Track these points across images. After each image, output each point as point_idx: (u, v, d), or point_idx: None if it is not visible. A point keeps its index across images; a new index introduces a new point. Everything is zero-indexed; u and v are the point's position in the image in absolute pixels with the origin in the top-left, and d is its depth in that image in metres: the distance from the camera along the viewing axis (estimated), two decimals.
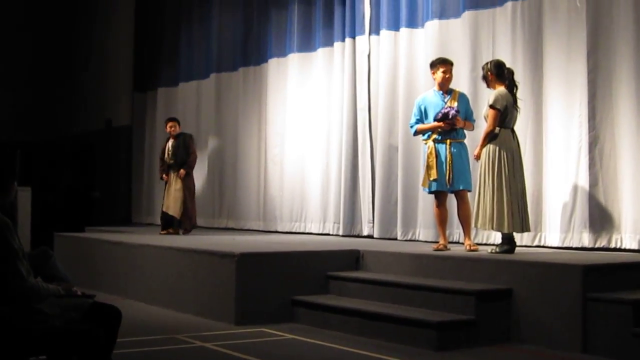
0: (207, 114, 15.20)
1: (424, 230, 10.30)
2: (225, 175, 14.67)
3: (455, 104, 8.58)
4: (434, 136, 8.55)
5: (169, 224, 12.40)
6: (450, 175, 8.45)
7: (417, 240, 10.35)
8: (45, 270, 4.94)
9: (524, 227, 7.91)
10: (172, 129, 12.51)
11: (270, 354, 6.47)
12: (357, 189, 11.66)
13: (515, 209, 7.76)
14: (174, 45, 16.58)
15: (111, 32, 18.84)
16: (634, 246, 8.14)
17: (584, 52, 8.56)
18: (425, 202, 10.16)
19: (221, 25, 15.11)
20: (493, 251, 7.85)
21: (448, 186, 8.50)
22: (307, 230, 12.58)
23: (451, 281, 7.31)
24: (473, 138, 8.75)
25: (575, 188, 8.63)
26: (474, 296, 6.79)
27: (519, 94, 8.14)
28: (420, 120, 8.73)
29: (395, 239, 10.70)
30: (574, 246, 8.54)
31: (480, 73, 8.85)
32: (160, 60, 17.03)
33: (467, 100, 8.81)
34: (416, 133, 8.83)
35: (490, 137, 7.88)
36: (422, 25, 10.67)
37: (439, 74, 8.72)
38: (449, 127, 8.47)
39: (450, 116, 8.42)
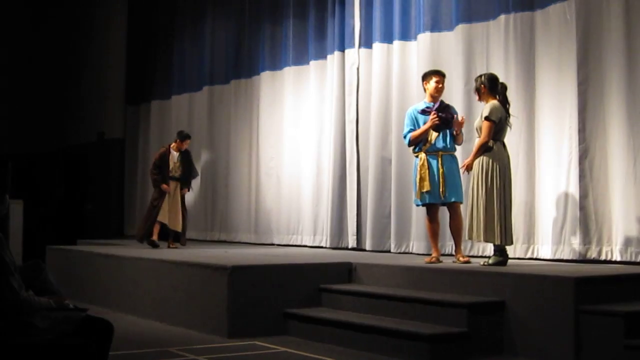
0: (199, 127, 15.21)
1: (418, 242, 10.31)
2: (217, 188, 14.69)
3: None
4: (426, 148, 8.55)
5: (166, 236, 12.40)
6: (443, 188, 8.46)
7: (411, 253, 10.36)
8: (37, 283, 4.92)
9: (509, 241, 7.92)
10: (187, 145, 12.50)
11: None
12: (345, 201, 11.68)
13: (507, 221, 7.77)
14: (166, 58, 16.61)
15: (104, 45, 18.85)
16: (624, 258, 8.17)
17: (575, 64, 8.60)
18: (419, 215, 10.17)
19: (213, 38, 15.17)
20: (485, 263, 7.85)
21: (441, 198, 8.51)
22: (301, 243, 12.58)
23: (443, 294, 7.31)
24: (460, 151, 8.80)
25: (566, 200, 8.66)
26: (467, 309, 6.78)
27: (511, 110, 8.15)
28: (412, 130, 8.73)
29: (389, 252, 10.71)
30: (565, 258, 8.56)
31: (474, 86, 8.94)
32: (153, 73, 17.05)
33: (456, 113, 8.81)
34: (410, 143, 8.82)
35: (483, 149, 7.89)
36: (415, 38, 10.71)
37: (432, 84, 8.73)
38: (441, 121, 8.44)
39: (436, 109, 8.44)
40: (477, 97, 8.33)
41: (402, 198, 10.62)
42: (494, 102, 7.98)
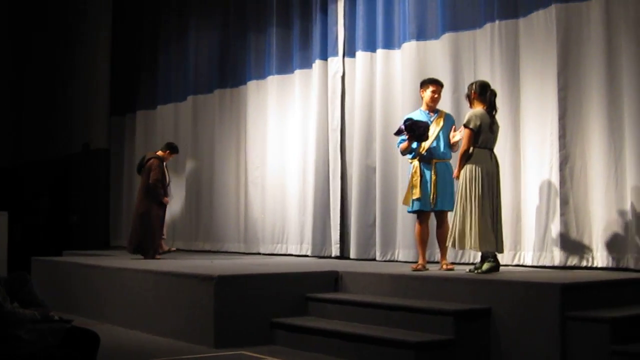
0: (185, 137, 15.19)
1: (404, 250, 10.32)
2: (202, 197, 14.66)
3: (440, 125, 8.60)
4: (419, 156, 8.57)
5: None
6: (434, 196, 8.48)
7: (397, 261, 10.37)
8: (22, 295, 4.91)
9: (499, 248, 7.93)
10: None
11: None
12: (329, 210, 11.69)
13: (490, 229, 7.77)
14: (152, 68, 16.59)
15: (89, 56, 18.80)
16: (605, 264, 8.20)
17: (555, 71, 8.65)
18: (405, 223, 10.19)
19: (198, 48, 15.17)
20: (472, 270, 7.84)
21: (432, 206, 8.52)
22: (286, 252, 12.58)
23: (430, 301, 7.31)
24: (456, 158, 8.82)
25: (548, 206, 8.69)
26: (453, 316, 6.78)
27: (498, 117, 8.17)
28: (404, 140, 8.74)
29: (374, 260, 10.71)
30: (548, 264, 8.59)
31: (463, 94, 8.97)
32: (138, 83, 17.04)
33: (453, 121, 8.80)
34: (402, 152, 8.84)
35: (465, 157, 7.90)
36: (399, 47, 10.73)
37: (428, 93, 8.75)
38: (415, 138, 8.46)
39: (401, 130, 8.46)
40: (468, 104, 8.34)
41: (387, 206, 10.64)
42: (474, 110, 8.00)
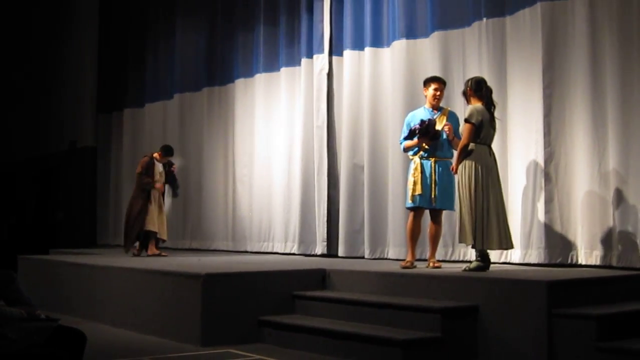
0: (173, 135, 15.17)
1: (394, 248, 10.33)
2: (190, 195, 14.65)
3: (443, 122, 8.60)
4: (421, 153, 8.58)
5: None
6: (435, 193, 8.48)
7: (387, 259, 10.37)
8: (8, 293, 4.89)
9: (508, 244, 7.93)
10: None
11: None
12: (314, 208, 11.69)
13: (493, 226, 7.77)
14: (139, 65, 16.58)
15: (76, 54, 18.77)
16: (589, 262, 8.24)
17: (541, 68, 8.68)
18: (395, 221, 10.21)
19: (186, 46, 15.16)
20: (467, 269, 7.84)
21: (433, 204, 8.52)
22: (272, 250, 12.59)
23: (417, 299, 7.32)
24: None
25: (533, 204, 8.72)
26: (440, 314, 6.79)
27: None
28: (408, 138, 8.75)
29: (362, 258, 10.72)
30: (533, 262, 8.62)
31: (453, 92, 8.98)
32: (126, 80, 17.02)
33: (457, 118, 8.76)
34: (405, 149, 8.85)
35: (465, 153, 7.88)
36: (388, 45, 10.75)
37: (430, 91, 8.74)
38: (430, 141, 8.48)
39: (417, 131, 8.46)
40: (465, 101, 8.34)
41: (376, 204, 10.65)
42: (475, 105, 7.99)
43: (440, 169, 8.53)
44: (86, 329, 5.06)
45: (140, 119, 16.38)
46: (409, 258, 8.65)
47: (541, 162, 8.62)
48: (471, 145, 7.86)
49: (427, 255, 8.78)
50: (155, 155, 12.51)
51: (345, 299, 7.78)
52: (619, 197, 8.03)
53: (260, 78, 13.16)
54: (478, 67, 9.45)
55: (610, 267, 8.01)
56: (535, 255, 8.63)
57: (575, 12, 8.54)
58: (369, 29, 10.98)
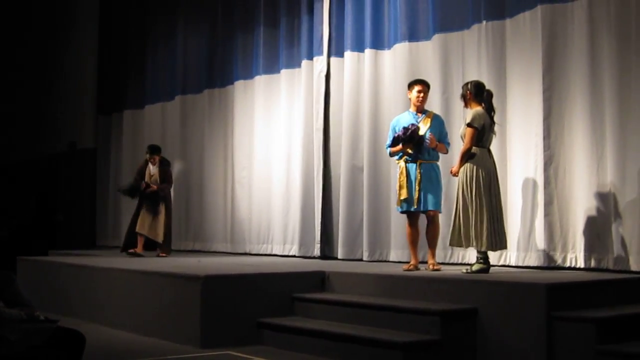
0: (173, 137, 15.19)
1: (394, 250, 10.31)
2: (191, 197, 14.65)
3: (427, 125, 8.61)
4: (405, 157, 8.59)
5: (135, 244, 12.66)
6: (419, 196, 8.49)
7: (387, 261, 10.37)
8: (7, 295, 4.89)
9: (502, 245, 7.94)
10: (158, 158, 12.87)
11: None
12: (313, 210, 11.69)
13: (492, 228, 7.79)
14: (139, 67, 16.57)
15: (76, 55, 18.76)
16: (588, 265, 8.24)
17: (540, 71, 8.68)
18: (396, 223, 10.20)
19: (186, 47, 15.17)
20: (468, 271, 7.85)
21: (416, 206, 8.53)
22: (271, 252, 12.59)
23: (417, 301, 7.32)
24: (447, 160, 8.82)
25: (533, 207, 8.73)
26: (439, 316, 6.79)
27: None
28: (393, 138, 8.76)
29: (361, 260, 10.72)
30: (532, 265, 8.62)
31: (452, 94, 8.98)
32: (126, 82, 17.01)
33: (442, 122, 8.82)
34: (391, 154, 8.86)
35: (467, 156, 7.90)
36: (389, 47, 10.74)
37: (414, 93, 8.76)
38: (413, 148, 8.49)
39: (400, 139, 8.47)
40: (463, 104, 8.35)
41: (376, 206, 10.64)
42: (477, 109, 8.00)
43: (424, 171, 8.53)
44: (85, 331, 5.06)
45: (139, 121, 16.38)
46: (412, 261, 8.66)
47: (541, 165, 8.63)
48: (474, 149, 7.87)
49: (427, 257, 8.78)
50: (147, 157, 12.77)
51: (344, 301, 7.78)
52: (617, 200, 8.03)
53: (260, 80, 13.16)
54: (477, 70, 9.45)
55: (608, 270, 8.02)
56: (535, 257, 8.64)
57: (575, 15, 8.55)
58: (370, 30, 10.97)
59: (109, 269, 9.82)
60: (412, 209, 8.58)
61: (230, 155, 13.79)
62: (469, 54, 9.71)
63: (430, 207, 8.56)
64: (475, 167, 7.84)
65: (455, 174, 8.05)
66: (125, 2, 17.44)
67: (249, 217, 13.17)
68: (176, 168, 14.82)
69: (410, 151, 8.54)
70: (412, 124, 8.54)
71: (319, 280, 8.51)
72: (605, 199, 8.16)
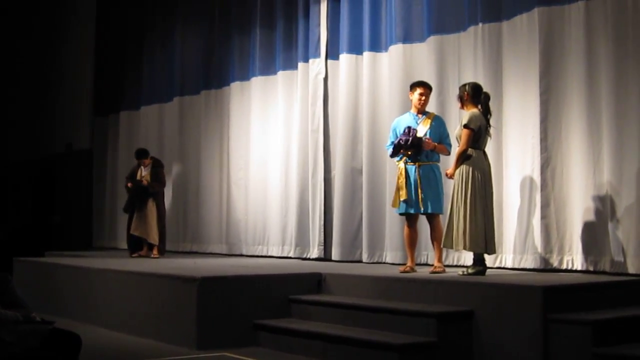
0: (170, 138, 15.18)
1: (392, 252, 10.28)
2: (188, 198, 14.64)
3: (427, 127, 8.61)
4: (405, 158, 8.59)
5: (140, 247, 12.75)
6: (420, 198, 8.48)
7: (384, 263, 10.36)
8: (3, 296, 4.88)
9: (493, 249, 7.96)
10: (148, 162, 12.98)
11: None
12: (309, 212, 11.69)
13: (487, 230, 7.80)
14: (136, 68, 16.55)
15: (72, 55, 18.75)
16: (585, 267, 8.24)
17: (537, 74, 8.69)
18: (393, 225, 10.18)
19: (183, 49, 15.15)
20: (464, 273, 7.84)
21: (419, 208, 8.53)
22: (268, 254, 12.58)
23: (413, 303, 7.33)
24: (446, 161, 8.81)
25: (529, 209, 8.73)
26: (436, 318, 6.80)
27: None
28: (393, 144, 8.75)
29: (360, 262, 10.71)
30: (529, 267, 8.62)
31: (448, 96, 8.99)
32: (122, 83, 16.99)
33: (443, 123, 8.81)
34: (391, 155, 8.86)
35: (463, 158, 7.91)
36: (386, 49, 10.74)
37: (416, 95, 8.75)
38: (413, 151, 8.50)
39: (402, 144, 8.47)
40: (459, 105, 8.35)
41: (375, 208, 10.63)
42: (473, 111, 8.01)
43: (425, 172, 8.52)
44: (81, 332, 5.06)
45: (136, 122, 16.37)
46: (408, 263, 8.66)
47: (537, 167, 8.63)
48: (470, 151, 7.88)
49: (433, 260, 8.72)
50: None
51: (341, 303, 7.78)
52: (614, 203, 8.04)
53: (257, 81, 13.15)
54: (474, 72, 9.45)
55: (604, 272, 8.02)
56: (531, 260, 8.64)
57: (572, 18, 8.55)
58: (367, 33, 10.97)
59: (105, 270, 9.82)
60: (411, 211, 8.58)
61: (226, 157, 13.78)
62: (465, 56, 9.70)
63: (430, 210, 8.55)
64: (471, 169, 7.85)
65: (451, 176, 8.05)
66: (123, 3, 17.42)
67: (245, 219, 13.16)
68: (173, 170, 14.83)
69: (409, 153, 8.54)
70: (410, 127, 8.54)
71: (316, 282, 8.52)
72: (602, 201, 8.17)
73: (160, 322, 8.39)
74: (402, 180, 8.55)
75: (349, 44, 11.25)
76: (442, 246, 8.24)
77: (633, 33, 7.98)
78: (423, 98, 8.76)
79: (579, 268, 8.29)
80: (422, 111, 8.78)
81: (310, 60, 11.86)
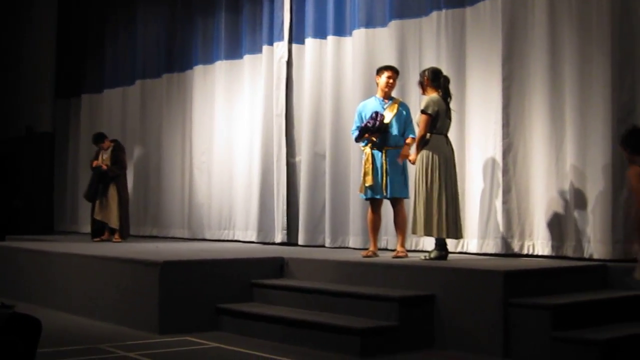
0: (132, 121, 15.09)
1: (354, 237, 10.32)
2: (149, 182, 14.57)
3: (394, 112, 8.61)
4: (371, 143, 8.60)
5: (102, 231, 12.69)
6: (385, 183, 8.50)
7: (347, 248, 10.38)
8: None
9: (457, 234, 8.00)
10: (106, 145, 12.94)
11: None
12: (273, 196, 11.68)
13: (449, 215, 7.84)
14: (98, 50, 16.42)
15: (33, 37, 18.50)
16: (546, 252, 8.33)
17: (500, 60, 8.73)
18: (356, 210, 10.21)
19: (145, 31, 15.03)
20: (426, 258, 7.90)
21: (384, 193, 8.55)
22: (233, 238, 12.56)
23: (375, 288, 7.36)
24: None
25: (491, 194, 8.79)
26: (397, 302, 6.84)
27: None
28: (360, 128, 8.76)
29: (323, 247, 10.73)
30: (490, 252, 8.68)
31: (408, 81, 9.00)
32: (84, 66, 16.86)
33: (408, 110, 8.81)
34: (357, 140, 8.86)
35: (423, 143, 7.94)
36: (350, 34, 10.73)
37: (383, 79, 8.75)
38: (378, 135, 8.51)
39: (370, 127, 8.48)
40: (421, 91, 8.38)
41: (337, 193, 10.65)
42: (431, 95, 8.04)
43: (391, 157, 8.54)
44: (42, 316, 5.02)
45: (98, 105, 16.26)
46: (371, 248, 8.69)
47: (499, 153, 8.69)
48: (429, 136, 7.92)
49: (396, 244, 8.75)
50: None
51: (303, 288, 7.80)
52: (576, 189, 8.11)
53: (221, 65, 13.08)
54: (436, 57, 9.47)
55: (566, 257, 8.11)
56: (493, 245, 8.70)
57: (535, 4, 8.59)
58: (331, 17, 10.96)
59: (67, 254, 9.76)
60: (377, 196, 8.60)
61: (188, 141, 13.72)
62: (427, 41, 9.72)
63: (398, 194, 8.58)
64: (431, 154, 7.89)
65: (413, 162, 8.09)
66: None
67: (208, 203, 13.12)
68: (134, 153, 14.75)
69: (375, 139, 8.55)
70: (377, 112, 8.54)
71: (278, 266, 8.53)
72: (564, 187, 8.24)
73: (122, 306, 8.36)
74: (369, 165, 8.56)
75: (314, 28, 11.23)
76: (411, 232, 8.26)
77: (597, 19, 8.02)
78: (390, 82, 8.76)
79: (541, 253, 8.37)
80: (388, 96, 8.78)
81: (275, 44, 11.83)
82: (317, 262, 8.31)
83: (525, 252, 8.51)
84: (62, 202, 17.17)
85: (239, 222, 12.51)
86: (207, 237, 13.03)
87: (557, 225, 8.27)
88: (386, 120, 8.53)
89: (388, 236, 9.67)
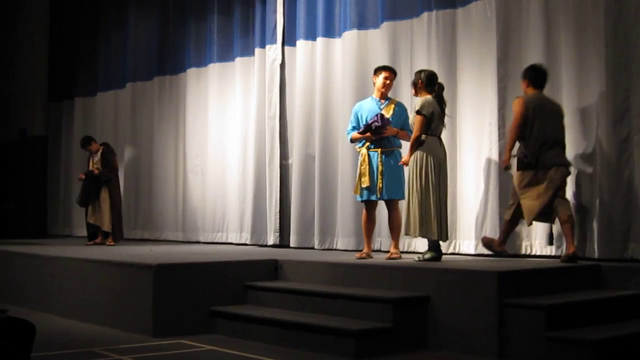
0: (124, 124, 15.08)
1: (342, 239, 10.34)
2: (141, 185, 14.56)
3: (390, 112, 8.62)
4: (367, 144, 8.60)
5: (96, 235, 12.70)
6: (381, 184, 8.50)
7: (336, 249, 10.39)
8: None
9: (442, 236, 8.01)
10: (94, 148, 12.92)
11: None
12: (266, 198, 11.67)
13: (442, 216, 7.85)
14: (91, 53, 16.42)
15: (25, 40, 18.48)
16: (543, 252, 8.35)
17: (495, 61, 8.74)
18: (344, 212, 10.23)
19: (137, 34, 15.03)
20: (420, 259, 7.90)
21: (379, 195, 8.54)
22: (226, 241, 12.56)
23: (369, 289, 7.35)
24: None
25: (486, 195, 8.79)
26: (392, 304, 6.83)
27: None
28: (356, 128, 8.75)
29: (312, 248, 10.73)
30: (486, 253, 8.67)
31: (400, 83, 9.01)
32: (77, 69, 16.85)
33: (405, 110, 8.80)
34: (352, 140, 8.86)
35: (417, 144, 7.94)
36: (340, 35, 10.75)
37: (380, 79, 8.75)
38: (377, 137, 8.51)
39: (373, 127, 8.47)
40: (413, 92, 8.37)
41: (327, 195, 10.66)
42: (426, 97, 8.04)
43: (388, 159, 8.54)
44: (36, 320, 5.01)
45: (91, 108, 16.25)
46: (365, 249, 8.70)
47: (495, 154, 8.69)
48: (424, 137, 7.92)
49: (390, 246, 8.74)
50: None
51: (297, 290, 7.79)
52: (571, 190, 8.11)
53: (214, 68, 13.10)
54: (427, 58, 9.48)
55: (559, 257, 8.09)
56: None
57: (530, 4, 8.60)
58: (322, 19, 10.97)
59: (60, 257, 9.73)
60: (373, 198, 8.59)
61: (182, 144, 13.72)
62: (418, 42, 9.73)
63: (394, 196, 8.57)
64: (425, 155, 7.89)
65: (406, 163, 8.09)
66: None
67: (202, 205, 13.13)
68: (127, 156, 14.74)
69: (373, 139, 8.55)
70: (382, 115, 8.52)
71: (272, 268, 8.52)
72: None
73: (116, 309, 8.34)
74: (365, 166, 8.55)
75: (305, 30, 11.25)
76: (404, 234, 8.26)
77: (592, 19, 8.03)
78: (388, 82, 8.76)
79: (538, 253, 8.39)
80: (385, 96, 8.78)
81: (267, 47, 11.83)
82: (311, 264, 8.30)
83: (523, 252, 8.52)
84: (56, 206, 17.15)
85: (232, 224, 12.52)
86: (201, 239, 13.03)
87: (554, 225, 8.25)
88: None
89: (382, 238, 9.68)
